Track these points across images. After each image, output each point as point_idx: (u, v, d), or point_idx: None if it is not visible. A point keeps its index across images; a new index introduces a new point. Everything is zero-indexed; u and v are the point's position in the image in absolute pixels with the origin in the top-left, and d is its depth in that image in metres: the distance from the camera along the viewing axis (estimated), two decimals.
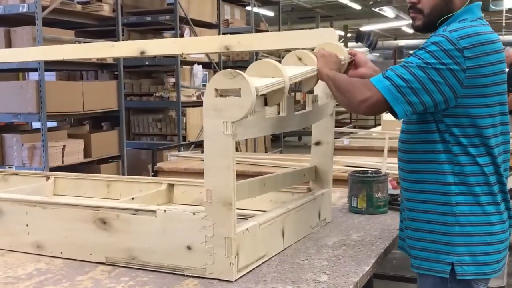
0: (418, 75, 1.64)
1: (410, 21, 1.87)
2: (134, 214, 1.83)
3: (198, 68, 7.47)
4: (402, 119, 1.73)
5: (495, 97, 1.69)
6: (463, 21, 1.73)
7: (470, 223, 1.70)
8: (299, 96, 10.27)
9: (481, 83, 1.66)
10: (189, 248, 1.73)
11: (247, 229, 1.75)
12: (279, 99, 1.75)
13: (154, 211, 1.79)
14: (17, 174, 2.92)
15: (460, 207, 1.70)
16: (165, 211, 1.78)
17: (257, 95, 1.57)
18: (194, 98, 7.47)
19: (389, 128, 5.83)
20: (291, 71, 1.81)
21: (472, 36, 1.65)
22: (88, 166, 5.82)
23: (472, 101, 1.67)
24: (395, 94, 1.65)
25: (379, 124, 6.98)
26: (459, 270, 1.70)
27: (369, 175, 2.54)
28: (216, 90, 1.60)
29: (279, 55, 11.20)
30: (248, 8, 9.55)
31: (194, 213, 1.72)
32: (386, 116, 6.83)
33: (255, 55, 9.69)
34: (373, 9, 15.27)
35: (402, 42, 23.40)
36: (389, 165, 3.68)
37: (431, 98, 1.65)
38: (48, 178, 2.85)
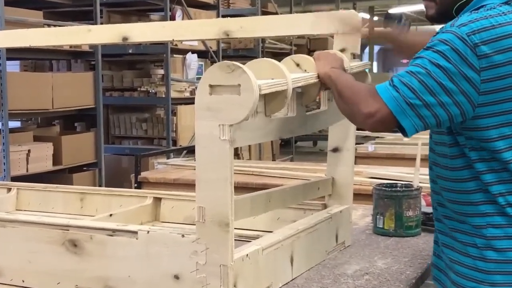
0: (428, 84, 1.61)
1: None
2: (111, 236, 1.82)
3: (192, 58, 7.48)
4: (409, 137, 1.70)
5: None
6: (481, 8, 1.70)
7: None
8: None
9: (500, 86, 1.62)
10: (176, 277, 1.72)
11: (247, 255, 1.74)
12: (280, 105, 1.75)
13: (135, 232, 1.79)
14: None
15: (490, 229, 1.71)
16: (148, 232, 1.77)
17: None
18: (187, 94, 7.48)
19: (423, 132, 5.81)
20: (292, 74, 1.81)
21: (486, 30, 1.62)
22: (58, 176, 5.84)
23: (489, 109, 1.64)
24: (402, 106, 1.63)
25: None
26: None
27: (398, 189, 2.54)
28: (211, 86, 1.60)
29: (290, 42, 11.25)
30: None
31: (183, 235, 1.71)
32: None
33: (261, 42, 9.72)
34: None
35: (440, 27, 23.37)
36: (423, 177, 3.66)
37: (445, 111, 1.63)
38: (9, 189, 2.86)
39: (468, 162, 1.71)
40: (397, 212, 2.47)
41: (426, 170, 2.67)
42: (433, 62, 1.62)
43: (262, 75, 1.69)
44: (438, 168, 1.84)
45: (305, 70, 1.94)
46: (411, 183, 2.70)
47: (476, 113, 1.64)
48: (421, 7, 2.27)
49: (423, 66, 1.63)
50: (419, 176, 2.78)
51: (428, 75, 1.61)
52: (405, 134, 1.67)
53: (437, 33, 1.71)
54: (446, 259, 1.83)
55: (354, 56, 2.27)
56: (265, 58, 1.77)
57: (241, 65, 1.58)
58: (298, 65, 1.95)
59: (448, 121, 1.65)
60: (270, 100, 1.75)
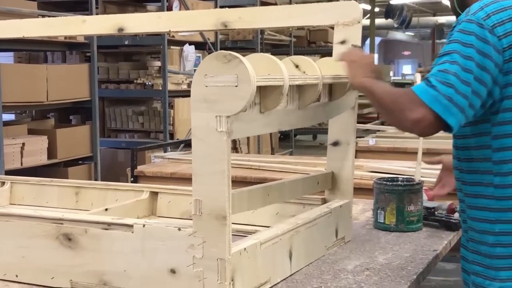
0: (463, 77, 1.66)
1: None
2: (106, 229, 1.82)
3: (189, 49, 7.47)
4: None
5: None
6: None
7: None
8: None
9: None
10: (173, 271, 1.72)
11: (245, 249, 1.74)
12: (275, 102, 1.75)
13: (131, 226, 1.79)
14: None
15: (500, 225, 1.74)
16: (144, 225, 1.77)
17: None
18: (184, 87, 7.48)
19: None
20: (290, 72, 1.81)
21: (498, 12, 1.69)
22: (52, 169, 5.84)
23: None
24: (445, 105, 1.65)
25: None
26: None
27: (399, 183, 2.54)
28: (207, 76, 1.59)
29: (289, 33, 11.23)
30: None
31: (179, 229, 1.71)
32: None
33: (259, 34, 9.71)
34: None
35: (442, 19, 23.39)
36: (424, 171, 3.67)
37: (480, 99, 1.69)
38: (3, 183, 2.86)
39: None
40: (398, 207, 2.47)
41: (426, 165, 2.69)
42: (462, 55, 1.67)
43: (259, 70, 1.69)
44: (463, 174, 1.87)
45: (304, 72, 1.94)
46: (412, 177, 2.71)
47: (504, 95, 1.71)
48: None
49: (454, 61, 1.67)
50: (420, 170, 2.79)
51: (462, 69, 1.65)
52: (449, 130, 1.70)
53: (454, 26, 1.75)
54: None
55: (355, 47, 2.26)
56: (262, 53, 1.77)
57: (238, 55, 1.58)
58: (297, 66, 1.95)
59: (480, 109, 1.72)
60: (265, 96, 1.74)
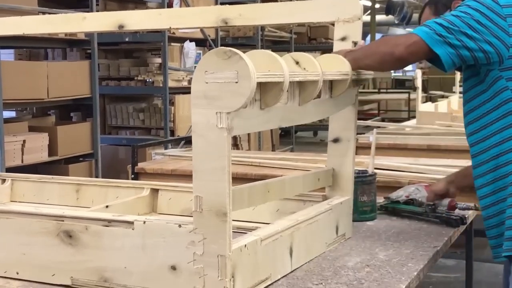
0: (456, 23, 1.97)
1: None
2: (106, 226, 1.83)
3: (190, 46, 7.47)
4: (450, 68, 2.03)
5: None
6: None
7: None
8: None
9: None
10: (173, 268, 1.73)
11: (245, 245, 1.74)
12: (275, 98, 1.75)
13: (131, 222, 1.79)
14: None
15: None
16: (144, 222, 1.77)
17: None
18: (185, 83, 7.48)
19: (425, 122, 5.85)
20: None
21: None
22: (53, 167, 5.84)
23: None
24: (434, 38, 1.97)
25: (414, 117, 6.98)
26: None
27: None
28: (208, 73, 1.59)
29: (290, 30, 11.23)
30: None
31: (180, 225, 1.71)
32: (423, 108, 6.83)
33: (260, 30, 9.70)
34: None
35: None
36: (423, 167, 3.67)
37: (478, 46, 1.97)
38: (4, 180, 2.86)
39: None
40: (353, 197, 2.48)
41: (433, 161, 2.69)
42: (461, 10, 1.99)
43: (259, 67, 1.69)
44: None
45: (305, 68, 1.94)
46: (366, 170, 2.71)
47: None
48: None
49: (451, 13, 2.00)
50: (374, 163, 2.81)
51: (456, 17, 1.98)
52: (442, 66, 2.01)
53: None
54: None
55: (355, 44, 2.27)
56: (263, 50, 1.77)
57: (238, 51, 1.58)
58: (297, 63, 1.95)
59: (484, 59, 1.99)
60: (265, 92, 1.74)
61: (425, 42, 1.99)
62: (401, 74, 24.72)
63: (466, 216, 2.54)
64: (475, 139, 2.13)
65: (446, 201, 2.55)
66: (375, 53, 2.12)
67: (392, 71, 21.17)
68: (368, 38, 20.11)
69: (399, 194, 2.67)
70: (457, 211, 2.53)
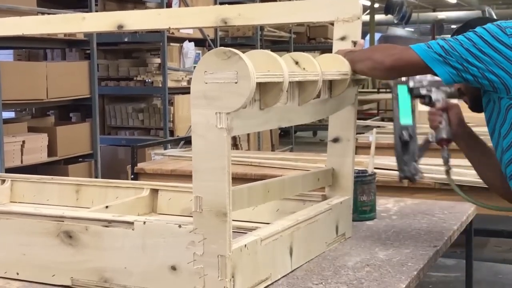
0: (457, 48, 1.92)
1: None
2: (106, 227, 1.83)
3: (189, 46, 7.48)
4: (449, 84, 2.00)
5: None
6: None
7: None
8: None
9: None
10: (173, 268, 1.73)
11: (245, 245, 1.74)
12: (275, 98, 1.75)
13: (131, 223, 1.79)
14: None
15: None
16: (144, 222, 1.78)
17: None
18: (184, 84, 7.48)
19: (424, 121, 5.82)
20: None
21: None
22: (53, 167, 5.84)
23: None
24: (433, 56, 1.94)
25: None
26: None
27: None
28: (207, 73, 1.59)
29: (289, 30, 11.23)
30: None
31: (180, 226, 1.72)
32: (421, 107, 6.82)
33: (259, 30, 9.70)
34: None
35: (442, 15, 23.37)
36: (430, 167, 3.67)
37: (481, 73, 1.91)
38: (3, 181, 2.86)
39: None
40: (352, 197, 2.48)
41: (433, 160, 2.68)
42: (465, 36, 1.93)
43: (258, 67, 1.69)
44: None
45: (304, 68, 1.94)
46: (366, 169, 2.71)
47: None
48: None
49: (455, 38, 1.95)
50: (373, 162, 2.81)
51: (459, 43, 1.92)
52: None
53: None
54: None
55: (354, 44, 2.27)
56: (262, 50, 1.77)
57: (237, 51, 1.58)
58: (297, 63, 1.95)
59: (490, 86, 1.93)
60: (265, 92, 1.74)
61: (421, 59, 1.95)
62: None
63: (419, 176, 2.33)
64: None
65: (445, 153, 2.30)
66: (369, 58, 2.10)
67: None
68: (368, 37, 20.11)
69: (422, 83, 2.35)
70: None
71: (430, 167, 3.62)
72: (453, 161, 2.31)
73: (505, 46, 1.88)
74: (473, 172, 2.29)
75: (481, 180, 2.29)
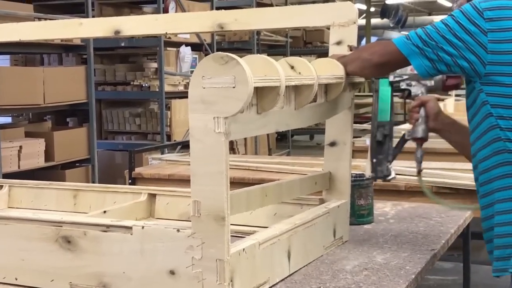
0: (434, 37, 1.92)
1: None
2: (105, 231, 1.83)
3: (186, 51, 7.48)
4: (425, 77, 2.01)
5: None
6: None
7: None
8: None
9: (504, 49, 1.85)
10: (172, 273, 1.73)
11: (244, 249, 1.75)
12: (272, 102, 1.75)
13: (130, 228, 1.79)
14: None
15: None
16: (143, 227, 1.78)
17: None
18: (181, 88, 7.48)
19: None
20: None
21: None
22: (50, 172, 5.83)
23: (500, 68, 1.85)
24: (411, 48, 1.95)
25: None
26: None
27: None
28: (205, 78, 1.60)
29: (286, 34, 11.24)
30: None
31: (178, 230, 1.72)
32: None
33: (256, 34, 9.71)
34: None
35: (437, 18, 23.40)
36: (427, 171, 3.67)
37: (453, 60, 1.90)
38: (1, 186, 2.86)
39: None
40: (349, 201, 2.48)
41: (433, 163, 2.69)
42: (443, 21, 1.93)
43: (255, 71, 1.70)
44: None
45: (300, 73, 1.95)
46: (363, 173, 2.71)
47: (489, 71, 1.86)
48: None
49: (435, 25, 1.94)
50: (370, 166, 2.80)
51: (436, 31, 1.92)
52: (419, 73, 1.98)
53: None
54: None
55: (351, 48, 2.28)
56: (258, 55, 1.77)
57: (235, 56, 1.59)
58: (292, 67, 1.96)
59: (462, 72, 1.93)
60: (262, 97, 1.75)
61: (401, 52, 1.97)
62: None
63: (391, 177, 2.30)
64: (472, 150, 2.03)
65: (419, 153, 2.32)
66: (357, 58, 2.12)
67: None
68: (364, 41, 20.12)
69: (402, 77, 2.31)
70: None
71: (426, 171, 3.63)
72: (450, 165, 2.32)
73: (480, 30, 1.85)
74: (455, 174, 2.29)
75: (461, 182, 2.33)
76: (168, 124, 7.23)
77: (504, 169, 1.88)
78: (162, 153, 5.63)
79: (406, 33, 2.13)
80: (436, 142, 4.69)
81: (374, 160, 2.24)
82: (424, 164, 2.45)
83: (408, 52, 1.96)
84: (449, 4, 21.49)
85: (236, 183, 3.61)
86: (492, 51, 1.85)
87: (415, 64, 1.96)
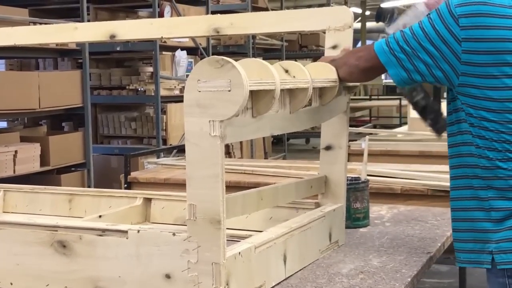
0: (412, 44, 1.88)
1: None
2: (100, 236, 1.83)
3: (181, 55, 7.48)
4: (400, 86, 2.00)
5: (503, 80, 1.80)
6: None
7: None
8: None
9: (480, 61, 1.80)
10: (168, 277, 1.73)
11: (239, 253, 1.75)
12: (267, 106, 1.76)
13: (125, 232, 1.79)
14: None
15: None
16: (138, 231, 1.78)
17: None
18: (177, 92, 7.48)
19: (417, 128, 5.86)
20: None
21: (472, 5, 1.79)
22: (45, 177, 5.82)
23: (472, 80, 1.82)
24: (388, 57, 1.93)
25: (405, 123, 7.02)
26: (498, 258, 1.86)
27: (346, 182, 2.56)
28: (200, 82, 1.60)
29: (281, 38, 11.26)
30: None
31: (174, 234, 1.72)
32: (414, 114, 6.85)
33: (251, 38, 9.72)
34: None
35: None
36: (423, 174, 3.69)
37: (428, 70, 1.87)
38: None
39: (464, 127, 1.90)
40: (345, 204, 2.49)
41: (430, 167, 2.70)
42: (420, 26, 1.88)
43: (250, 75, 1.70)
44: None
45: (294, 77, 1.95)
46: (359, 176, 2.72)
47: (462, 82, 1.84)
48: (414, 0, 2.31)
49: (412, 28, 1.90)
50: (366, 169, 2.81)
51: (413, 36, 1.88)
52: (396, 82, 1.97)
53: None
54: None
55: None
56: (254, 58, 1.78)
57: (230, 60, 1.59)
58: (287, 71, 1.97)
59: (436, 82, 1.91)
60: (257, 100, 1.75)
61: (379, 60, 1.96)
62: (391, 80, 24.77)
63: None
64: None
65: None
66: (345, 64, 2.10)
67: (383, 77, 21.28)
68: (359, 44, 20.18)
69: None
70: None
71: (422, 174, 3.64)
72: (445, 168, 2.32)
73: (455, 38, 1.80)
74: None
75: None
76: (164, 128, 7.22)
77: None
78: (158, 157, 5.62)
79: None
80: (433, 145, 4.74)
81: (430, 122, 2.31)
82: (421, 167, 2.46)
83: (385, 60, 1.95)
84: None
85: (231, 187, 3.61)
86: (465, 62, 1.81)
87: (391, 73, 1.95)
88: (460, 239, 1.98)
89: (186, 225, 1.69)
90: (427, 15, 1.89)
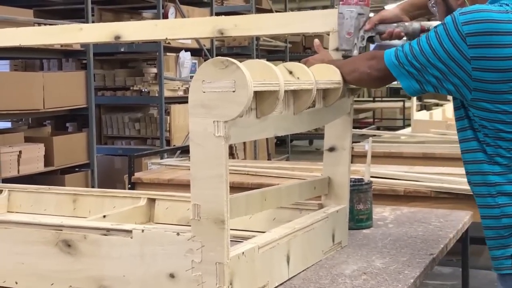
0: (420, 59, 1.89)
1: None
2: (105, 235, 1.84)
3: (185, 56, 7.49)
4: (414, 96, 1.99)
5: None
6: (497, 1, 1.86)
7: None
8: None
9: (490, 78, 1.80)
10: (172, 276, 1.74)
11: (243, 253, 1.75)
12: (271, 107, 1.77)
13: (130, 231, 1.80)
14: None
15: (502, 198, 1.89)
16: (142, 231, 1.79)
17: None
18: (181, 93, 7.50)
19: (420, 130, 5.87)
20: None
21: (479, 23, 1.78)
22: (50, 177, 5.84)
23: (485, 95, 1.84)
24: (400, 71, 1.95)
25: (409, 125, 7.01)
26: None
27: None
28: (205, 82, 1.61)
29: (285, 39, 11.26)
30: None
31: (178, 234, 1.73)
32: (417, 116, 6.86)
33: (255, 40, 9.73)
34: None
35: (436, 24, 23.43)
36: (426, 176, 3.69)
37: (439, 83, 1.89)
38: (1, 191, 2.86)
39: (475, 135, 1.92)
40: (348, 206, 2.49)
41: (432, 169, 2.71)
42: (428, 42, 1.87)
43: (254, 76, 1.71)
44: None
45: (298, 78, 1.96)
46: (362, 178, 2.73)
47: (475, 97, 1.85)
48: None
49: (420, 43, 1.90)
50: (370, 171, 2.82)
51: (420, 52, 1.89)
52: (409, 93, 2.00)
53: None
54: None
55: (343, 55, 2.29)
56: (258, 60, 1.78)
57: (235, 61, 1.60)
58: (291, 72, 1.97)
59: (448, 93, 1.91)
60: (261, 101, 1.76)
61: (390, 71, 1.97)
62: (396, 82, 24.73)
63: None
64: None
65: (417, 24, 2.35)
66: (355, 70, 2.11)
67: None
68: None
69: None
70: None
71: (425, 176, 3.64)
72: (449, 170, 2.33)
73: (463, 56, 1.80)
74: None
75: (459, 187, 2.37)
76: (168, 129, 7.24)
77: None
78: (162, 158, 5.64)
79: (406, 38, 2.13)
80: (436, 147, 4.73)
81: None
82: (424, 169, 2.47)
83: (397, 73, 1.96)
84: None
85: (235, 188, 3.61)
86: (476, 79, 1.81)
87: (404, 85, 1.96)
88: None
89: (190, 226, 1.70)
90: (433, 29, 1.88)
